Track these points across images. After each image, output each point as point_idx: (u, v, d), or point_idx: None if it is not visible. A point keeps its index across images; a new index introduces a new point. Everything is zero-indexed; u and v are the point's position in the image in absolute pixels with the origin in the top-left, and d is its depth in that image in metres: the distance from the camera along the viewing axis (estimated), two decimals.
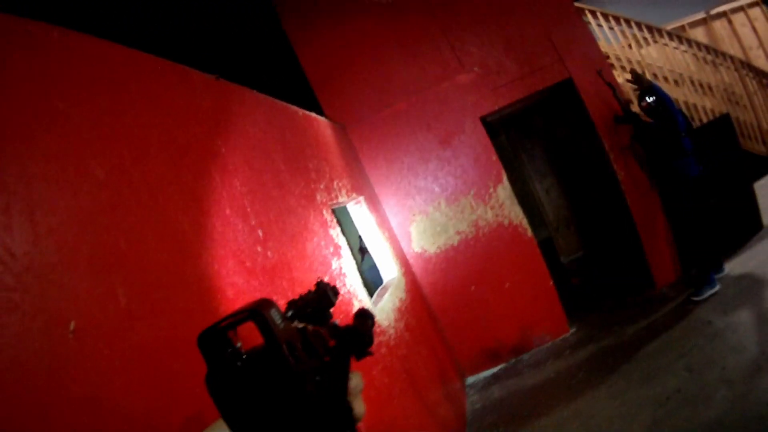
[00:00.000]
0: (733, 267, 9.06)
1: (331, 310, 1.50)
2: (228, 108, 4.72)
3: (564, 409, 7.18)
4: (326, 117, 8.34)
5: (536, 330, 9.61)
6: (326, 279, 5.16)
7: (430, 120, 9.42)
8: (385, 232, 8.52)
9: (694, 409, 5.86)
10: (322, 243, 5.54)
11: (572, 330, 9.67)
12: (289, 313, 1.42)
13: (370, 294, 6.34)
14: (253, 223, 4.19)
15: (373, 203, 8.74)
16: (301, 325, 1.30)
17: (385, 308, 6.52)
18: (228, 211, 3.86)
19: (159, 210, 3.01)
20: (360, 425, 1.26)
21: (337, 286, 5.34)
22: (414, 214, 9.46)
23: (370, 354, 1.43)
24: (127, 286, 2.50)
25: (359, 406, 1.24)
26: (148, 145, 3.14)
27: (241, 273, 3.69)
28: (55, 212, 2.25)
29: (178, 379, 2.56)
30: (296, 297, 1.52)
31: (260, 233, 4.23)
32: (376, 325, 6.02)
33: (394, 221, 9.43)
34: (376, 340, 5.72)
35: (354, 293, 5.71)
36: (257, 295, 3.78)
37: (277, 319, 1.15)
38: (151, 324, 2.57)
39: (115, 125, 2.89)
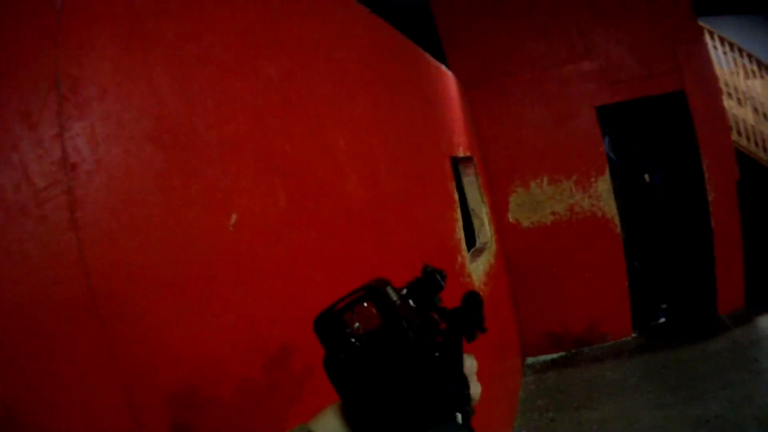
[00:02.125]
0: None
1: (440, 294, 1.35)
2: (383, 44, 4.78)
3: (612, 408, 7.17)
4: (452, 73, 8.21)
5: (602, 326, 9.49)
6: (440, 226, 5.13)
7: (549, 98, 9.23)
8: (486, 196, 8.43)
9: None
10: (441, 191, 5.55)
11: (634, 334, 9.54)
12: (404, 291, 1.27)
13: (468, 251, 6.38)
14: (393, 156, 4.21)
15: (481, 165, 8.66)
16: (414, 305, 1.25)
17: (478, 268, 6.53)
18: (375, 140, 3.87)
19: (320, 123, 3.01)
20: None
21: (448, 234, 5.43)
22: (516, 186, 9.33)
23: (484, 331, 1.30)
24: (286, 190, 2.46)
25: (475, 387, 1.17)
26: (313, 60, 3.14)
27: (380, 202, 3.74)
28: (229, 99, 2.20)
29: (327, 289, 2.56)
30: (407, 281, 1.34)
31: (397, 168, 4.26)
32: (472, 283, 6.03)
33: (495, 188, 9.31)
34: None
35: (459, 247, 5.72)
36: (392, 228, 3.89)
37: (394, 296, 1.12)
38: (304, 232, 2.56)
39: (285, 34, 2.87)
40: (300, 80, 2.86)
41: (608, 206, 9.17)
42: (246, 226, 2.08)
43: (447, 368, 1.12)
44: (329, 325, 1.09)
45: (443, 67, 7.42)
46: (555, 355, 9.48)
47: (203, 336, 1.76)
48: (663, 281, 11.47)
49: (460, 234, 5.87)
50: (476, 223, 8.11)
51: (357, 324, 1.08)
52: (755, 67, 12.34)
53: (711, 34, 11.74)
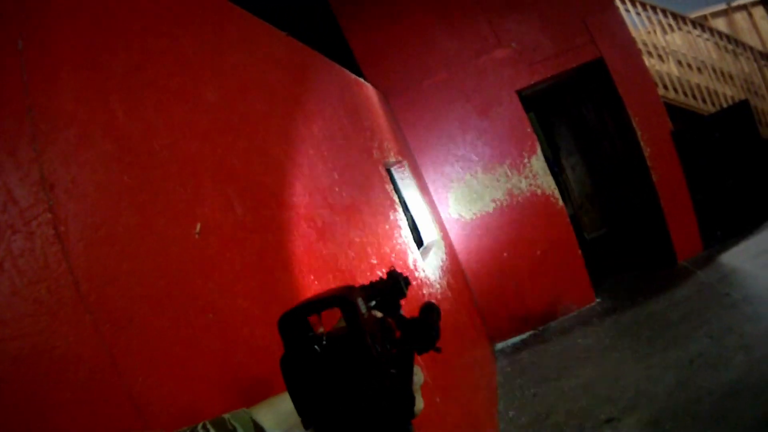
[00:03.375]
0: (751, 245, 9.25)
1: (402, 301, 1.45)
2: (305, 64, 4.99)
3: (592, 371, 7.29)
4: (370, 84, 8.40)
5: (564, 299, 9.70)
6: (386, 228, 5.27)
7: (469, 92, 9.48)
8: (425, 195, 8.61)
9: (715, 371, 6.07)
10: (381, 195, 5.67)
11: (598, 300, 9.76)
12: (372, 303, 1.37)
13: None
14: (330, 165, 4.35)
15: (414, 168, 8.83)
16: (379, 315, 1.29)
17: (431, 264, 6.65)
18: (311, 151, 4.04)
19: (260, 139, 3.20)
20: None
21: (394, 236, 5.49)
22: (452, 181, 9.55)
23: (437, 350, 1.37)
24: (240, 200, 2.63)
25: (419, 401, 1.21)
26: (246, 82, 3.36)
27: (325, 207, 3.86)
28: (179, 122, 2.40)
29: (285, 289, 2.74)
30: (371, 281, 1.46)
31: (336, 176, 4.40)
32: (428, 278, 6.17)
33: (432, 187, 9.50)
34: (426, 292, 5.85)
35: (408, 245, 5.84)
36: (341, 231, 4.02)
37: (363, 309, 1.12)
38: (262, 238, 2.71)
39: (221, 63, 3.13)
40: (238, 102, 3.08)
41: (546, 183, 9.47)
42: (210, 233, 2.26)
43: (398, 384, 1.15)
44: (294, 325, 1.11)
45: (362, 80, 7.63)
46: (524, 335, 9.68)
47: (181, 334, 1.91)
48: (617, 245, 11.83)
49: (407, 233, 6.00)
50: (420, 223, 8.29)
51: (321, 329, 1.13)
52: (672, 21, 12.66)
53: None
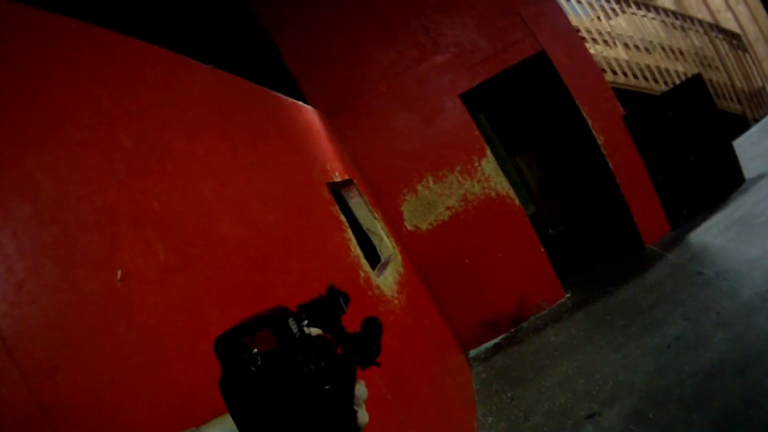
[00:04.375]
0: (720, 219, 9.40)
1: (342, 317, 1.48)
2: (232, 94, 5.08)
3: (568, 368, 7.39)
4: (311, 106, 8.50)
5: (532, 298, 9.85)
6: (331, 250, 5.39)
7: (411, 101, 9.63)
8: (377, 212, 8.68)
9: (695, 353, 6.09)
10: (324, 218, 5.77)
11: (568, 294, 9.94)
12: (304, 321, 1.37)
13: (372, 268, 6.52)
14: (263, 194, 4.45)
15: (364, 186, 8.89)
16: (314, 332, 1.32)
17: (387, 280, 6.70)
18: (241, 183, 4.14)
19: (181, 177, 3.28)
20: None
21: (342, 258, 5.59)
22: (403, 194, 9.64)
23: (377, 365, 1.45)
24: (163, 242, 2.73)
25: (363, 416, 1.27)
26: (164, 122, 3.45)
27: (258, 237, 3.95)
28: (94, 171, 2.51)
29: (215, 329, 2.76)
30: (310, 298, 1.49)
31: (270, 204, 4.49)
32: (383, 295, 6.22)
33: (384, 202, 9.59)
34: (383, 309, 5.94)
35: (359, 263, 5.93)
36: (278, 259, 4.11)
37: (294, 329, 1.19)
38: (187, 278, 2.80)
39: (137, 105, 3.21)
40: (157, 142, 3.17)
41: (500, 184, 9.62)
42: (132, 278, 2.35)
43: (336, 401, 1.19)
44: (229, 346, 1.16)
45: (300, 103, 7.71)
46: (496, 340, 9.81)
47: (109, 379, 1.98)
48: (583, 237, 12.03)
49: (357, 251, 6.07)
50: (375, 240, 8.35)
51: (255, 350, 1.15)
52: (615, 5, 12.94)
53: None
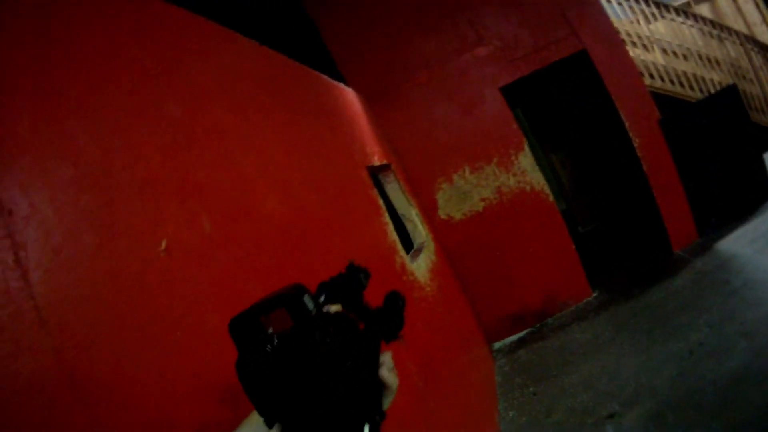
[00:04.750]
0: (747, 230, 9.25)
1: (364, 292, 1.48)
2: (276, 72, 5.01)
3: (592, 366, 7.27)
4: (351, 88, 8.42)
5: (560, 294, 9.72)
6: (370, 233, 5.28)
7: (451, 91, 9.50)
8: (412, 198, 8.62)
9: (717, 360, 6.01)
10: (363, 200, 5.71)
11: (594, 294, 9.78)
12: (321, 298, 1.36)
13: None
14: (306, 173, 4.35)
15: (400, 171, 8.83)
16: (333, 309, 1.30)
17: (420, 267, 6.64)
18: (284, 160, 4.06)
19: (226, 152, 3.18)
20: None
21: (379, 241, 5.51)
22: (439, 183, 9.55)
23: (400, 338, 1.42)
24: (207, 215, 2.63)
25: (392, 380, 1.25)
26: (210, 94, 3.34)
27: (300, 217, 3.87)
28: (140, 142, 2.41)
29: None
30: (330, 276, 1.49)
31: (312, 183, 4.41)
32: (417, 281, 6.15)
33: (420, 189, 9.51)
34: (416, 295, 5.84)
35: (395, 248, 5.86)
36: (319, 240, 4.02)
37: (310, 305, 1.16)
38: (229, 253, 2.70)
39: (184, 76, 3.12)
40: (203, 114, 3.08)
41: (535, 179, 9.48)
42: (176, 249, 2.25)
43: (359, 376, 1.16)
44: (244, 327, 1.14)
45: (342, 86, 7.65)
46: (521, 334, 9.68)
47: (147, 354, 1.90)
48: (612, 237, 11.88)
49: (393, 236, 6.01)
50: (409, 226, 8.29)
51: (271, 329, 1.13)
52: (654, 10, 12.77)
53: None
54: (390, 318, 1.39)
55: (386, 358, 1.27)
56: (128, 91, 2.46)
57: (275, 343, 1.10)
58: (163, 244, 2.20)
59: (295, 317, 1.13)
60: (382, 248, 5.51)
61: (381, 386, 1.23)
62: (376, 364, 1.24)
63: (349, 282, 1.45)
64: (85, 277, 1.79)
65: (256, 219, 3.19)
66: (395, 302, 1.43)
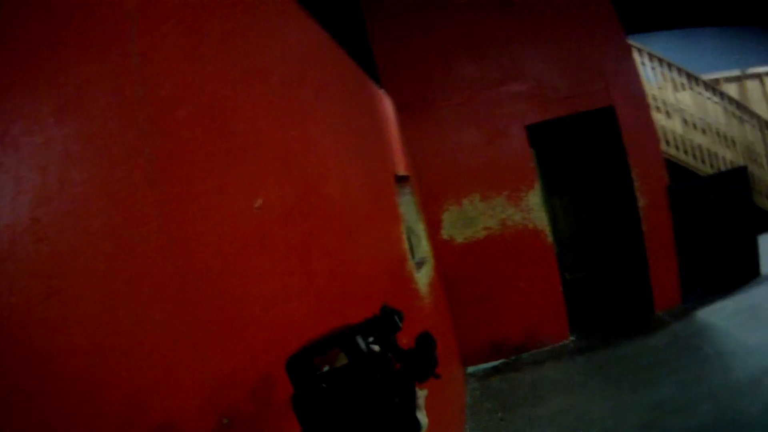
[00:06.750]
0: (729, 304, 9.55)
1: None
2: (338, 68, 5.15)
3: (561, 404, 7.53)
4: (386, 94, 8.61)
5: (539, 332, 9.93)
6: (393, 237, 5.53)
7: (481, 119, 9.71)
8: (420, 213, 8.80)
9: (680, 417, 6.28)
10: (390, 205, 5.97)
11: (572, 338, 10.03)
12: (370, 339, 1.42)
13: None
14: (356, 170, 4.62)
15: (416, 184, 9.04)
16: (376, 348, 1.39)
17: (422, 279, 6.85)
18: (345, 155, 4.36)
19: (309, 130, 3.47)
20: None
21: (396, 244, 5.75)
22: (449, 204, 9.73)
23: (437, 377, 1.49)
24: (293, 185, 2.90)
25: (423, 419, 1.33)
26: (294, 77, 3.53)
27: (353, 208, 4.15)
28: (257, 102, 2.68)
29: (319, 279, 2.93)
30: (365, 318, 1.53)
31: (360, 180, 4.67)
32: (419, 290, 6.40)
33: (428, 207, 9.61)
34: (418, 304, 6.12)
35: (406, 256, 6.07)
36: (363, 233, 4.28)
37: (362, 346, 1.28)
38: (306, 224, 2.95)
39: (290, 70, 3.40)
40: (296, 89, 3.37)
41: (539, 218, 9.75)
42: (266, 208, 2.46)
43: (403, 411, 1.27)
44: (300, 366, 1.24)
45: (382, 91, 7.87)
46: (496, 363, 9.87)
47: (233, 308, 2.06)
48: (597, 289, 12.14)
49: (406, 245, 6.22)
50: (414, 240, 8.39)
51: (326, 368, 1.24)
52: (684, 80, 12.97)
53: (639, 51, 12.42)
54: (423, 359, 1.46)
55: (422, 397, 1.38)
56: (269, 92, 2.80)
57: (330, 381, 1.22)
58: (258, 202, 2.41)
59: (351, 356, 1.27)
60: (398, 253, 5.72)
61: (418, 423, 1.32)
62: (414, 400, 1.34)
63: (385, 323, 1.50)
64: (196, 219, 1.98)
65: (325, 199, 3.45)
66: (427, 343, 1.51)
